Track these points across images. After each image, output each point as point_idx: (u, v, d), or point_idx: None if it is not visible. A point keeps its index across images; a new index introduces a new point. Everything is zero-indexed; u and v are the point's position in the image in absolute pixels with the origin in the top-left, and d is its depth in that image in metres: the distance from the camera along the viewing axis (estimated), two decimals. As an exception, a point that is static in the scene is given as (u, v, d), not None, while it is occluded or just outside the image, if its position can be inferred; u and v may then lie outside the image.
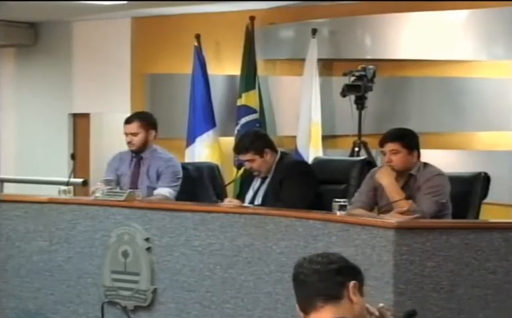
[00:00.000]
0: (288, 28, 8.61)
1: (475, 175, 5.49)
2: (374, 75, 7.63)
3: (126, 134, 6.21)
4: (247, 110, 8.28)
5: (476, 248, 4.65)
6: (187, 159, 8.11)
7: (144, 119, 6.27)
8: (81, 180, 8.00)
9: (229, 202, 5.70)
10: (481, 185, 5.44)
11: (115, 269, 5.69)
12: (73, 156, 8.26)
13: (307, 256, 2.76)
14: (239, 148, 5.96)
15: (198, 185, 6.35)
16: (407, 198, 5.20)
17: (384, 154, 5.41)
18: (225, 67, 8.77)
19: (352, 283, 2.67)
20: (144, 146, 6.19)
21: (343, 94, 7.67)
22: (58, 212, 5.90)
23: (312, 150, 7.86)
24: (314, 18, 8.29)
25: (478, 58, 7.70)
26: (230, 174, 7.48)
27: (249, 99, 8.30)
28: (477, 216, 5.41)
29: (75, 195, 6.85)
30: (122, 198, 5.72)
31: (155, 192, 6.09)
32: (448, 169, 5.44)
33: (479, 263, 4.65)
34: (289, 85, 8.55)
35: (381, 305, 2.79)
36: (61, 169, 8.57)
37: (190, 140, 8.45)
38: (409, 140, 5.37)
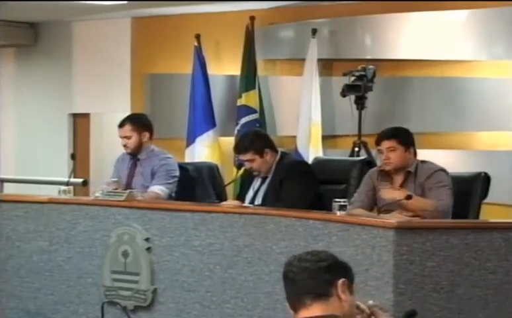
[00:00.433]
0: (288, 28, 8.61)
1: (475, 175, 5.49)
2: (374, 75, 7.63)
3: (121, 137, 6.23)
4: (247, 110, 8.28)
5: (476, 248, 4.65)
6: (187, 160, 8.11)
7: (136, 122, 6.27)
8: (81, 180, 8.00)
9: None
10: (481, 185, 5.44)
11: (115, 269, 5.69)
12: (73, 156, 8.26)
13: (297, 254, 2.78)
14: (239, 148, 5.96)
15: (198, 185, 6.35)
16: (408, 197, 5.20)
17: (380, 152, 5.41)
18: (225, 67, 8.77)
19: (341, 281, 2.68)
20: (139, 148, 6.19)
21: (343, 94, 7.67)
22: (58, 212, 5.90)
23: (312, 150, 7.86)
24: (314, 18, 8.29)
25: (478, 58, 7.70)
26: (230, 174, 7.48)
27: (249, 99, 8.30)
28: (477, 217, 5.41)
29: (75, 195, 6.85)
30: (122, 198, 5.73)
31: (148, 190, 6.09)
32: (448, 169, 5.43)
33: (479, 263, 4.65)
34: (289, 85, 8.55)
35: (370, 302, 2.80)
36: (61, 169, 8.57)
37: (190, 140, 8.45)
38: (404, 138, 5.39)
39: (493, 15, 7.46)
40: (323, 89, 8.09)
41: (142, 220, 5.64)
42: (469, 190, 5.41)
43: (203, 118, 8.43)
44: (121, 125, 6.25)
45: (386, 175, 5.42)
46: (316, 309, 2.66)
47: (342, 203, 4.98)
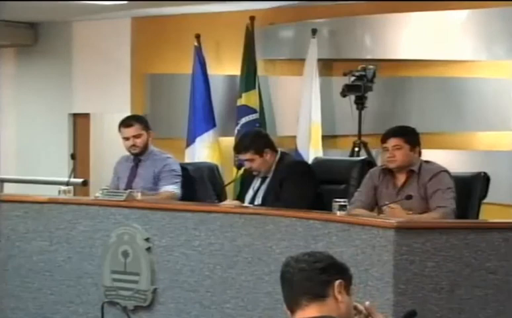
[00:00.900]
0: (288, 28, 8.61)
1: (475, 175, 5.49)
2: (374, 75, 7.63)
3: (127, 138, 6.15)
4: (247, 110, 8.27)
5: (476, 248, 4.66)
6: (187, 160, 8.11)
7: (142, 121, 6.27)
8: (81, 180, 8.00)
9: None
10: (481, 185, 5.45)
11: (115, 269, 5.69)
12: (73, 156, 8.26)
13: (294, 255, 2.78)
14: (239, 148, 5.96)
15: (198, 185, 6.34)
16: (408, 197, 5.21)
17: (386, 149, 5.40)
18: (225, 67, 8.77)
19: (337, 282, 2.68)
20: (145, 147, 6.18)
21: (343, 94, 7.67)
22: (58, 212, 5.90)
23: (312, 150, 7.86)
24: (314, 18, 8.29)
25: (478, 58, 7.70)
26: (230, 174, 7.48)
27: (249, 99, 8.30)
28: (477, 217, 5.41)
29: (75, 195, 6.85)
30: (122, 198, 5.73)
31: (161, 190, 6.08)
32: (448, 169, 5.44)
33: (479, 263, 4.65)
34: (289, 85, 8.55)
35: (367, 303, 2.79)
36: (61, 169, 8.57)
37: (190, 140, 8.45)
38: (411, 137, 5.40)
39: (493, 15, 7.46)
40: (323, 89, 8.09)
41: (142, 220, 5.64)
42: (469, 190, 5.41)
43: (203, 118, 8.43)
44: (128, 125, 6.16)
45: (389, 174, 5.42)
46: (312, 310, 2.66)
47: (342, 203, 4.98)
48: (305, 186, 5.69)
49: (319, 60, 8.07)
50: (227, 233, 5.37)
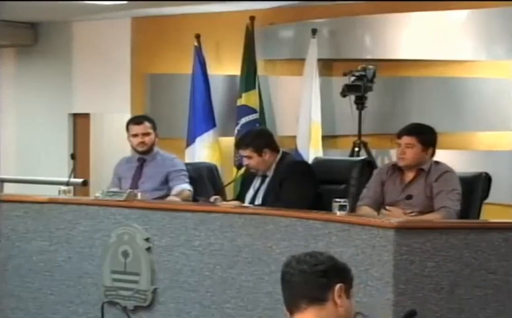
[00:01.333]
0: (288, 28, 8.61)
1: (477, 176, 5.49)
2: (374, 75, 7.63)
3: (136, 135, 6.23)
4: (247, 110, 8.27)
5: (476, 248, 4.66)
6: (187, 160, 8.10)
7: (152, 121, 6.37)
8: (81, 180, 8.00)
9: (215, 199, 5.70)
10: (483, 185, 5.45)
11: (115, 269, 5.69)
12: (73, 156, 8.27)
13: (296, 254, 2.77)
14: (239, 143, 6.02)
15: (198, 185, 6.35)
16: (408, 197, 5.21)
17: (398, 145, 5.40)
18: (225, 67, 8.77)
19: (338, 286, 2.66)
20: (152, 147, 6.25)
21: (343, 94, 7.67)
22: (58, 212, 5.89)
23: (312, 150, 7.86)
24: (314, 18, 8.29)
25: (478, 58, 7.70)
26: (230, 174, 7.48)
27: (249, 99, 8.30)
28: (478, 217, 5.41)
29: (75, 195, 6.85)
30: (122, 198, 5.73)
31: (175, 188, 6.12)
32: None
33: (479, 263, 4.65)
34: (289, 85, 8.55)
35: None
36: (61, 169, 8.57)
37: (190, 140, 8.45)
38: (426, 137, 5.39)
39: (493, 15, 7.46)
40: (323, 89, 8.09)
41: (142, 220, 5.64)
42: (471, 190, 5.41)
43: (203, 118, 8.43)
44: (139, 122, 6.29)
45: (398, 170, 5.42)
46: (310, 313, 2.65)
47: (342, 203, 4.98)
48: (306, 186, 5.69)
49: (319, 60, 8.07)
50: (227, 233, 5.37)
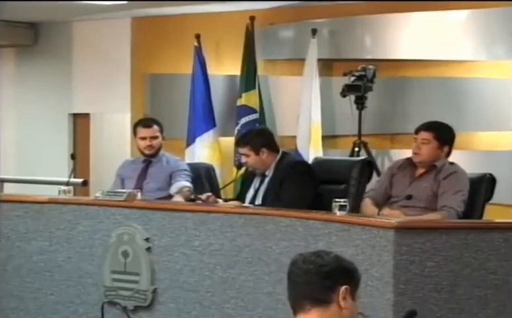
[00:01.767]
0: (288, 28, 8.61)
1: (481, 177, 5.49)
2: (374, 75, 7.63)
3: (144, 138, 6.28)
4: (247, 110, 8.27)
5: (476, 248, 4.66)
6: (187, 160, 8.09)
7: (160, 124, 6.42)
8: (81, 180, 8.00)
9: (207, 196, 5.71)
10: (486, 186, 5.45)
11: (115, 269, 5.69)
12: (73, 156, 8.28)
13: (304, 252, 2.76)
14: (239, 140, 6.09)
15: (196, 185, 6.35)
16: (408, 196, 5.23)
17: (415, 140, 5.41)
18: (225, 67, 8.77)
19: (343, 288, 2.65)
20: (159, 150, 6.32)
21: (343, 94, 7.67)
22: (58, 212, 5.89)
23: (312, 150, 7.85)
24: (314, 18, 8.29)
25: (478, 58, 7.70)
26: (230, 174, 7.48)
27: (249, 99, 8.29)
28: (480, 218, 5.41)
29: (75, 195, 6.85)
30: (122, 198, 5.73)
31: (175, 184, 6.16)
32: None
33: (479, 263, 4.65)
34: (289, 85, 8.54)
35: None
36: (61, 169, 8.57)
37: (190, 140, 8.45)
38: (443, 134, 5.40)
39: (493, 15, 7.46)
40: (323, 89, 8.09)
41: (142, 220, 5.64)
42: (474, 191, 5.40)
43: (203, 118, 8.43)
44: (148, 125, 6.35)
45: (411, 164, 5.44)
46: (314, 314, 2.65)
47: (342, 203, 4.98)
48: (306, 186, 5.69)
49: (319, 60, 8.06)
50: (227, 233, 5.37)
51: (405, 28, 7.97)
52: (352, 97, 7.68)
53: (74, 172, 7.56)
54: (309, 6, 8.36)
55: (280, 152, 5.87)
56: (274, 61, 8.67)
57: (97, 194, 5.93)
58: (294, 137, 8.08)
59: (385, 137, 8.15)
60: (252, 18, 8.31)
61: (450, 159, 5.51)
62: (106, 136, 9.77)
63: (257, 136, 5.92)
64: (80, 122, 9.79)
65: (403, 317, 2.96)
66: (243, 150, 5.83)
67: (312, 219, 5.04)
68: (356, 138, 7.70)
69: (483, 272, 4.65)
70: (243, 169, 6.11)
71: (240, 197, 5.95)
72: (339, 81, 7.78)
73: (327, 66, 8.34)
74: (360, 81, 7.60)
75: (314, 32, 8.06)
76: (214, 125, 8.47)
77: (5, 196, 6.80)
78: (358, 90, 7.62)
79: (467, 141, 7.81)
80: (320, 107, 8.02)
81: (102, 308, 5.34)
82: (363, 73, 7.60)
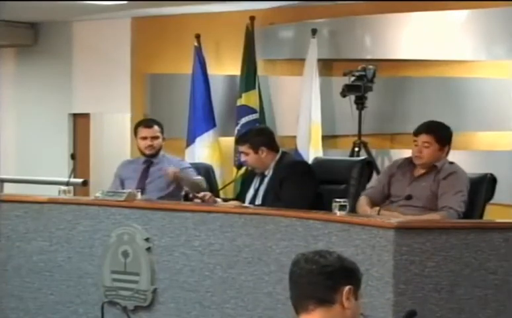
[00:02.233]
0: (288, 28, 8.61)
1: (482, 177, 5.48)
2: (374, 75, 7.63)
3: (145, 137, 6.31)
4: (247, 110, 8.27)
5: (476, 248, 4.66)
6: (187, 160, 8.09)
7: (160, 125, 6.44)
8: (81, 180, 8.00)
9: (204, 195, 5.72)
10: (487, 186, 5.44)
11: (115, 269, 5.69)
12: (73, 156, 8.28)
13: (306, 252, 2.75)
14: (239, 138, 6.14)
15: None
16: (408, 197, 5.23)
17: (415, 143, 5.39)
18: (225, 67, 8.77)
19: (347, 288, 2.65)
20: (159, 150, 6.34)
21: (343, 94, 7.67)
22: (58, 212, 5.89)
23: (312, 150, 7.85)
24: (314, 18, 8.29)
25: (478, 58, 7.70)
26: (230, 174, 7.48)
27: (249, 99, 8.29)
28: (481, 218, 5.41)
29: (75, 195, 6.85)
30: (122, 198, 5.73)
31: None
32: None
33: (479, 263, 4.65)
34: (289, 85, 8.55)
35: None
36: (61, 169, 8.57)
37: (190, 140, 8.45)
38: (443, 135, 5.39)
39: (493, 15, 7.46)
40: (323, 89, 8.09)
41: (142, 220, 5.64)
42: (475, 191, 5.39)
43: (203, 118, 8.43)
44: (149, 126, 6.38)
45: (411, 164, 5.43)
46: (318, 315, 2.64)
47: (342, 203, 4.98)
48: (306, 186, 5.69)
49: (319, 60, 8.06)
50: (227, 233, 5.37)
51: (405, 28, 7.97)
52: (352, 97, 7.68)
53: (74, 172, 7.56)
54: (309, 6, 8.36)
55: (280, 152, 5.87)
56: (274, 61, 8.67)
57: (97, 194, 5.93)
58: (294, 137, 8.08)
59: (385, 137, 8.15)
60: (252, 18, 8.31)
61: (451, 159, 5.51)
62: (106, 136, 9.77)
63: (257, 134, 5.92)
64: (80, 122, 9.79)
65: (403, 317, 2.96)
66: (242, 148, 5.84)
67: (312, 219, 5.04)
68: (356, 138, 7.70)
69: (483, 272, 4.65)
70: (243, 169, 6.11)
71: (240, 196, 5.95)
72: (339, 81, 7.78)
73: (327, 66, 8.34)
74: (360, 81, 7.60)
75: (314, 32, 8.06)
76: (214, 125, 8.47)
77: (5, 196, 6.80)
78: (358, 90, 7.62)
79: (467, 141, 7.82)
80: (320, 107, 8.02)
81: (102, 308, 5.34)
82: (363, 73, 7.60)
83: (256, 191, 5.83)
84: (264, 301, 5.19)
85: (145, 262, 5.60)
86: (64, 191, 6.02)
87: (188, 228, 5.50)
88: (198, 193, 5.93)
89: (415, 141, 5.42)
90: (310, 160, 6.97)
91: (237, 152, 7.88)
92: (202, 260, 5.45)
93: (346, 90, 7.65)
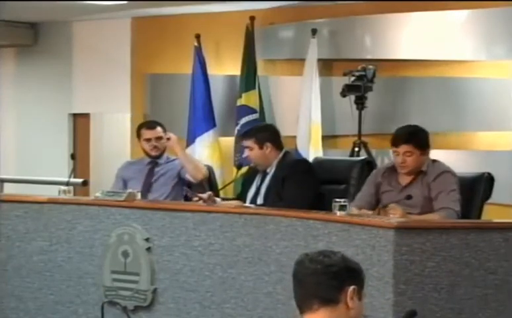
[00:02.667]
0: (288, 28, 8.61)
1: (479, 176, 5.48)
2: (374, 75, 7.63)
3: (149, 139, 6.34)
4: (247, 110, 8.27)
5: (476, 248, 4.65)
6: (187, 160, 8.11)
7: (162, 125, 6.46)
8: (81, 180, 8.00)
9: (208, 194, 5.73)
10: (484, 185, 5.44)
11: (115, 269, 5.69)
12: (73, 156, 8.28)
13: (310, 252, 2.76)
14: (244, 133, 6.09)
15: (195, 185, 6.36)
16: (408, 197, 5.22)
17: (396, 154, 5.35)
18: (225, 67, 8.77)
19: (351, 288, 2.66)
20: (164, 150, 6.38)
21: (343, 94, 7.67)
22: (58, 212, 5.89)
23: (312, 150, 7.85)
24: (314, 18, 8.29)
25: (478, 58, 7.70)
26: (230, 174, 7.48)
27: (249, 99, 8.29)
28: (479, 217, 5.40)
29: (75, 195, 6.85)
30: (122, 198, 5.73)
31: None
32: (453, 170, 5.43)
33: (479, 263, 4.65)
34: (289, 85, 8.55)
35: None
36: (61, 169, 8.57)
37: (190, 140, 8.45)
38: (421, 141, 5.34)
39: (493, 15, 7.46)
40: (323, 89, 8.09)
41: (142, 220, 5.64)
42: (472, 190, 5.39)
43: (203, 118, 8.43)
44: (152, 127, 6.42)
45: (395, 171, 5.40)
46: (321, 314, 2.65)
47: (342, 203, 4.98)
48: (307, 185, 5.69)
49: (319, 60, 8.07)
50: (227, 233, 5.37)
51: (405, 28, 7.97)
52: (352, 97, 7.68)
53: (74, 172, 7.55)
54: (309, 6, 8.36)
55: (283, 151, 5.87)
56: (274, 61, 8.68)
57: (97, 194, 5.93)
58: (294, 137, 8.08)
59: (385, 137, 8.09)
60: (252, 18, 8.31)
61: (451, 159, 5.51)
62: (106, 136, 9.78)
63: (263, 130, 5.94)
64: (80, 122, 9.79)
65: (403, 317, 2.96)
66: (247, 143, 5.83)
67: (312, 219, 5.03)
68: (356, 138, 7.70)
69: (483, 272, 4.65)
70: (243, 169, 6.10)
71: (241, 196, 5.95)
72: (339, 81, 7.78)
73: (327, 66, 8.34)
74: (360, 81, 7.60)
75: (314, 32, 8.06)
76: (214, 125, 8.47)
77: (5, 196, 6.79)
78: (358, 90, 7.62)
79: (467, 141, 7.83)
80: (320, 107, 8.02)
81: (102, 308, 5.34)
82: (363, 73, 7.60)
83: (258, 188, 5.83)
84: (264, 301, 5.19)
85: (145, 262, 5.60)
86: (64, 191, 6.02)
87: (188, 228, 5.50)
88: (198, 181, 5.95)
89: (395, 151, 5.36)
90: (310, 160, 6.97)
91: (237, 152, 7.89)
92: (202, 260, 5.45)
93: (346, 90, 7.65)
